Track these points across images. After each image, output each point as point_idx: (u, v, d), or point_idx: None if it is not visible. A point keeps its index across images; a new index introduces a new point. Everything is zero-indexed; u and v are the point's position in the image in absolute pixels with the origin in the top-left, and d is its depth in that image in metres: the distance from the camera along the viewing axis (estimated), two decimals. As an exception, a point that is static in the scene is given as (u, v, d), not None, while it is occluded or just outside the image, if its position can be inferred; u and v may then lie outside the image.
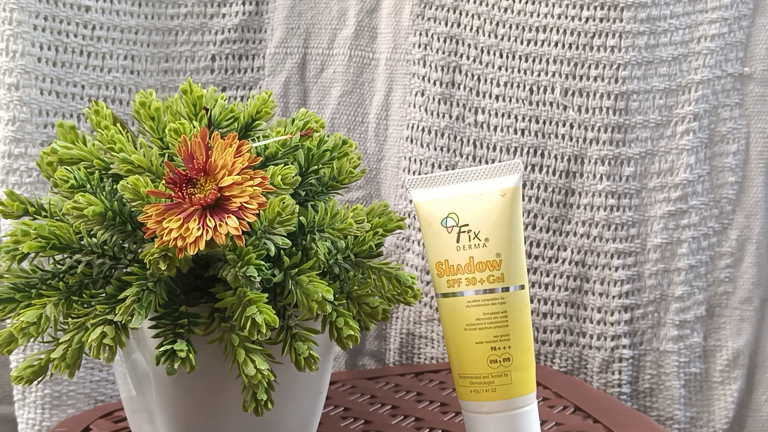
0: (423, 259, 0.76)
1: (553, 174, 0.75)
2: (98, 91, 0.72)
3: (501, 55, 0.75)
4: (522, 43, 0.74)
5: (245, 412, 0.49)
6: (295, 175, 0.49)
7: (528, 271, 0.72)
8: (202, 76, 0.76)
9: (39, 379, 0.50)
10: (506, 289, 0.53)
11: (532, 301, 0.75)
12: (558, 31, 0.73)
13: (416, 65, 0.76)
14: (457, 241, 0.54)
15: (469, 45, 0.75)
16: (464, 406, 0.54)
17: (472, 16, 0.75)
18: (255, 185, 0.46)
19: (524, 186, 0.75)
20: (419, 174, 0.76)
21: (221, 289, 0.49)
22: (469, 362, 0.53)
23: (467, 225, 0.54)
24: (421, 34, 0.76)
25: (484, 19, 0.75)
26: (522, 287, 0.54)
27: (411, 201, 0.76)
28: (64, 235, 0.49)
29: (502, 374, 0.53)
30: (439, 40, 0.75)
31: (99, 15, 0.72)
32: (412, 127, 0.76)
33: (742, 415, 0.78)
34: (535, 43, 0.74)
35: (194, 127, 0.50)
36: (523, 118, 0.75)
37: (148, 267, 0.47)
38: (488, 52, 0.75)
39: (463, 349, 0.54)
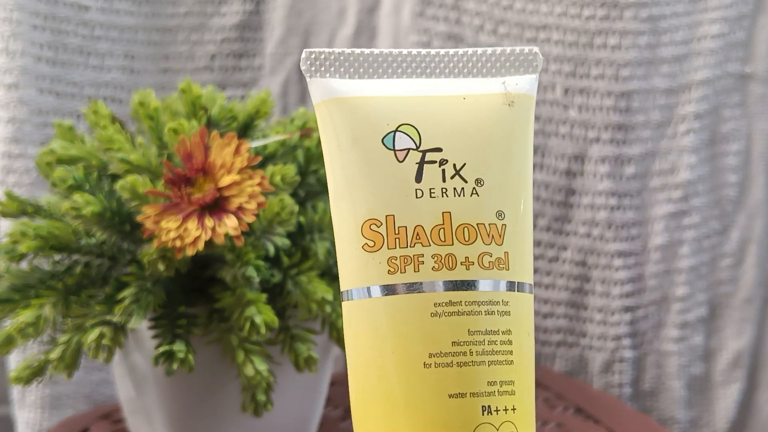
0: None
1: (554, 174, 0.74)
2: (97, 90, 0.72)
3: (502, 55, 0.74)
4: (523, 42, 0.74)
5: (244, 413, 0.49)
6: (295, 174, 0.48)
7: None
8: (201, 76, 0.75)
9: (37, 379, 0.50)
10: (512, 287, 0.28)
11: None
12: (559, 29, 0.73)
13: (416, 65, 0.76)
14: (418, 180, 0.28)
15: (469, 44, 0.75)
16: None
17: (473, 14, 0.75)
18: (254, 185, 0.46)
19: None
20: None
21: (220, 290, 0.49)
22: None
23: (439, 150, 0.28)
24: (421, 33, 0.75)
25: (485, 18, 0.74)
26: (530, 289, 0.29)
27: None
28: (63, 236, 0.49)
29: None
30: (439, 39, 0.75)
31: (98, 14, 0.71)
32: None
33: (744, 416, 0.77)
34: (536, 42, 0.74)
35: (193, 126, 0.50)
36: (524, 118, 0.75)
37: (146, 267, 0.47)
38: (489, 52, 0.75)
39: (417, 408, 0.27)
